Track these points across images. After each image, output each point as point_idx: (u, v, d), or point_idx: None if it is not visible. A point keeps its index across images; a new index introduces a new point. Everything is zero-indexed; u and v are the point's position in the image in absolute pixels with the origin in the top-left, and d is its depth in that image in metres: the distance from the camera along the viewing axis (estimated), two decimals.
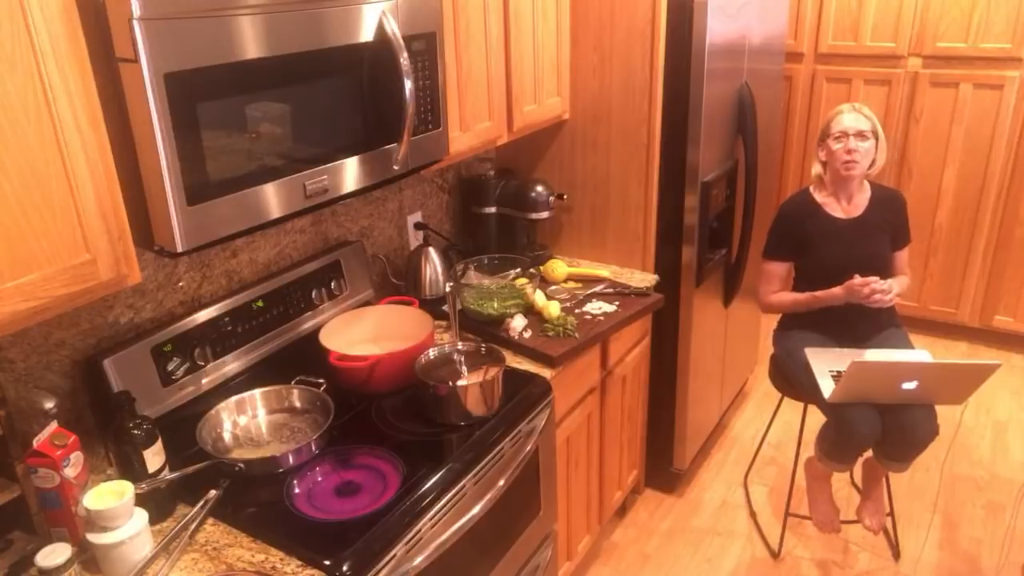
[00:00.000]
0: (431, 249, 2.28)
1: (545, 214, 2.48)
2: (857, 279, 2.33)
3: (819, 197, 2.50)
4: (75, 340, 1.55)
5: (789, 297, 2.55)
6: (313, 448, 1.61)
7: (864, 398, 2.25)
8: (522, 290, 2.19)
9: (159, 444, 1.48)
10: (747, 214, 2.83)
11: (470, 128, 2.03)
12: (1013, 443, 3.22)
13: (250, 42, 1.32)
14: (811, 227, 2.47)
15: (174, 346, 1.66)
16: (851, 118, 2.39)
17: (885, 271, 2.45)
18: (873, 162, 2.43)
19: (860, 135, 2.37)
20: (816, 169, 2.52)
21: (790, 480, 2.64)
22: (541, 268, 2.47)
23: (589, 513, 2.46)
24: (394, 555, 1.44)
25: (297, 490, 1.53)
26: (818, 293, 2.44)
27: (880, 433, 2.27)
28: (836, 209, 2.47)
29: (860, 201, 2.48)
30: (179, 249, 1.30)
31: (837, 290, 2.39)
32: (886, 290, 2.32)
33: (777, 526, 2.74)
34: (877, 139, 2.41)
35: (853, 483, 2.94)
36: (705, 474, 3.09)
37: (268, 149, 1.40)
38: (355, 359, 1.79)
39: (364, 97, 1.58)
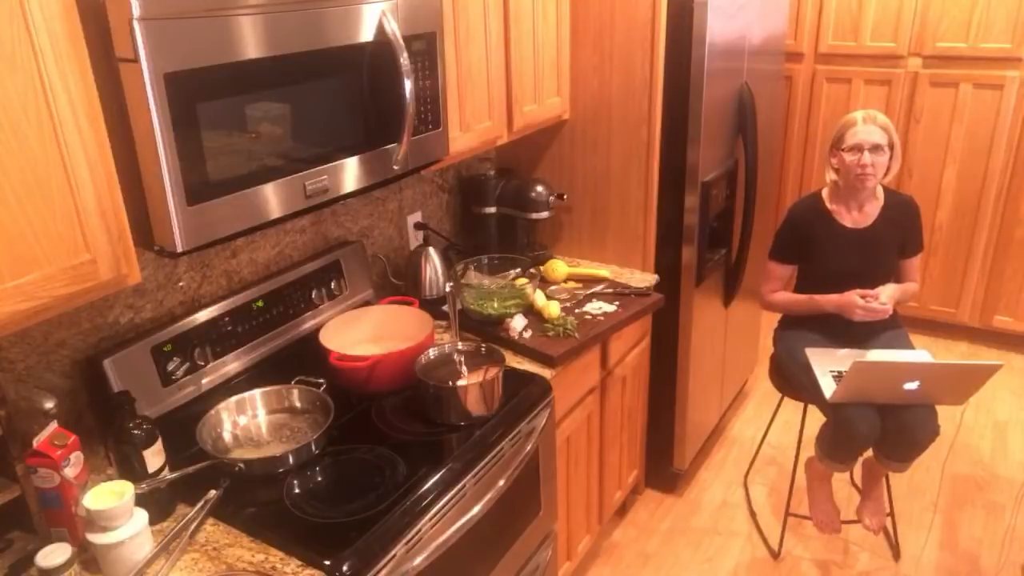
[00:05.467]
0: (431, 249, 2.27)
1: (545, 214, 2.48)
2: (859, 301, 2.33)
3: (831, 204, 2.47)
4: (75, 340, 1.55)
5: (789, 297, 2.55)
6: (313, 448, 1.61)
7: (865, 398, 2.25)
8: (522, 290, 2.19)
9: (159, 444, 1.48)
10: (747, 214, 2.83)
11: (470, 128, 2.03)
12: (1013, 443, 3.22)
13: (250, 42, 1.32)
14: (818, 234, 2.46)
15: (174, 346, 1.66)
16: (865, 131, 2.32)
17: (888, 281, 2.45)
18: (888, 170, 2.39)
19: (875, 149, 2.31)
20: (830, 175, 2.47)
21: (790, 480, 2.64)
22: (541, 268, 2.47)
23: (589, 513, 2.46)
24: (394, 555, 1.44)
25: (297, 490, 1.53)
26: (816, 297, 2.45)
27: (880, 433, 2.27)
28: (846, 218, 2.45)
29: (871, 210, 2.45)
30: (179, 249, 1.30)
31: (834, 297, 2.40)
32: (877, 310, 2.32)
33: (777, 526, 2.74)
34: (892, 148, 2.36)
35: (853, 483, 2.94)
36: (705, 474, 3.09)
37: (268, 149, 1.40)
38: (355, 359, 1.79)
39: (364, 97, 1.58)
